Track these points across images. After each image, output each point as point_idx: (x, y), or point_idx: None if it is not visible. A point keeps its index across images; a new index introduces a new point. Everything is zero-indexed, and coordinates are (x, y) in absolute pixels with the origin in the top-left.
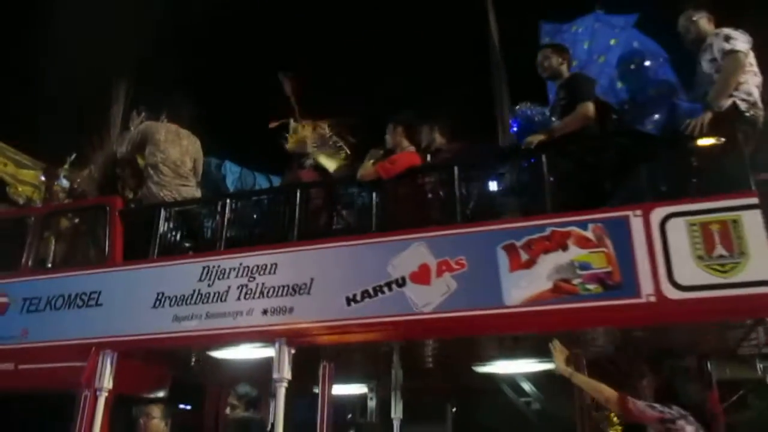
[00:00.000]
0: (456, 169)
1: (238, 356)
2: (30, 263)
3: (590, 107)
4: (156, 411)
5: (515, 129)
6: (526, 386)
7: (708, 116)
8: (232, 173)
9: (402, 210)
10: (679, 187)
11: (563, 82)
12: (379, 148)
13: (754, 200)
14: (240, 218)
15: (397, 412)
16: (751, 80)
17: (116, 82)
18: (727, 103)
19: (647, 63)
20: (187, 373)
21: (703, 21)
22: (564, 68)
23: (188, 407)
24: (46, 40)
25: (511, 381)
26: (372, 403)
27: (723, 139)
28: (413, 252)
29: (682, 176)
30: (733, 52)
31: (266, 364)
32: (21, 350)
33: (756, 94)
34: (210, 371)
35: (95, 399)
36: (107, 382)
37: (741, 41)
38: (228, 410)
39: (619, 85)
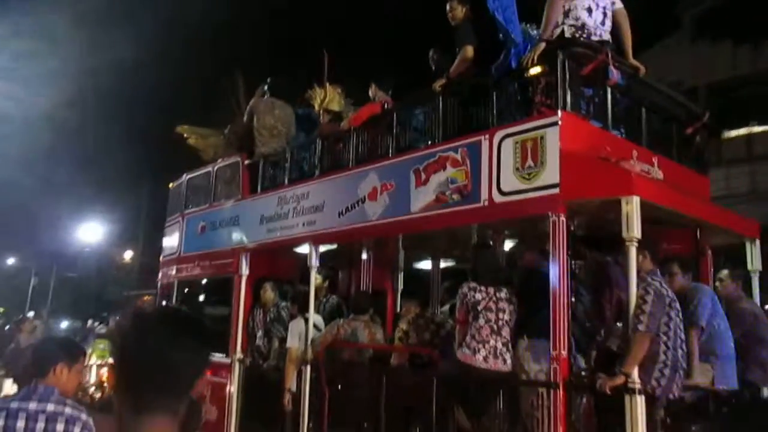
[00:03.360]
0: (394, 114)
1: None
2: (211, 200)
3: (467, 50)
4: (267, 286)
5: None
6: None
7: (540, 47)
8: None
9: (370, 147)
10: (525, 112)
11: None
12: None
13: (556, 119)
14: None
15: None
16: (579, 4)
17: (235, 75)
18: (557, 32)
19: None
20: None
21: None
22: (466, 16)
23: None
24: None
25: None
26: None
27: (547, 68)
28: (370, 179)
29: (525, 103)
30: None
31: (330, 254)
32: (210, 253)
33: (585, 17)
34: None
35: (240, 281)
36: (245, 270)
37: None
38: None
39: None
